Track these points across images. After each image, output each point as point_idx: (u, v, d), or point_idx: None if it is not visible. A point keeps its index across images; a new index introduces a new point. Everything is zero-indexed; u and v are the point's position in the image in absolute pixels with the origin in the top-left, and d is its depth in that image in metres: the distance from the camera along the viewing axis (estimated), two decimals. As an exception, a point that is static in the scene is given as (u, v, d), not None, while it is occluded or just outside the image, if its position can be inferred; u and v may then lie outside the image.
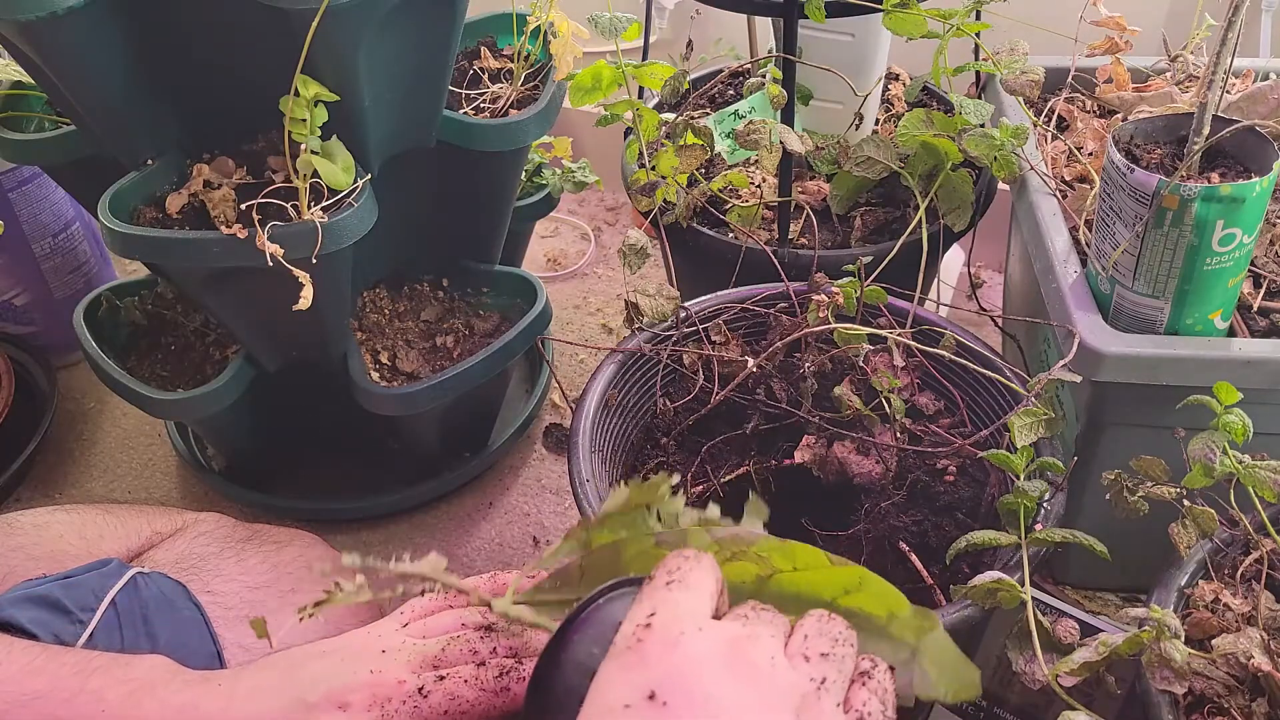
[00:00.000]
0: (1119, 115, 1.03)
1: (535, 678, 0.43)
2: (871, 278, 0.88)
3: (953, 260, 1.32)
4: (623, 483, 0.48)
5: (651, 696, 0.37)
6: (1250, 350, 0.77)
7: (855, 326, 0.83)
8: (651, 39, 1.16)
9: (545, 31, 1.02)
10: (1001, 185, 1.02)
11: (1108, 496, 0.72)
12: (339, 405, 1.02)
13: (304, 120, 0.79)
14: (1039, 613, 0.68)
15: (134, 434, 1.24)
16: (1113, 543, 0.70)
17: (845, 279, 0.87)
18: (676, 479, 0.47)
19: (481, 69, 1.08)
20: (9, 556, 0.79)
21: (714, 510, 0.47)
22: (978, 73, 1.05)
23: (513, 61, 1.06)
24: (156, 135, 0.90)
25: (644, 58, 1.14)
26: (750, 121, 0.94)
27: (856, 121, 1.10)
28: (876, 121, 1.16)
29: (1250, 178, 0.73)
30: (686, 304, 0.92)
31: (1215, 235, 0.73)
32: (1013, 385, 0.80)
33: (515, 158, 1.04)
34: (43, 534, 0.82)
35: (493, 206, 1.08)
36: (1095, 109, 1.06)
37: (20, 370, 1.25)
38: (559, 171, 1.23)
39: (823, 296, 0.86)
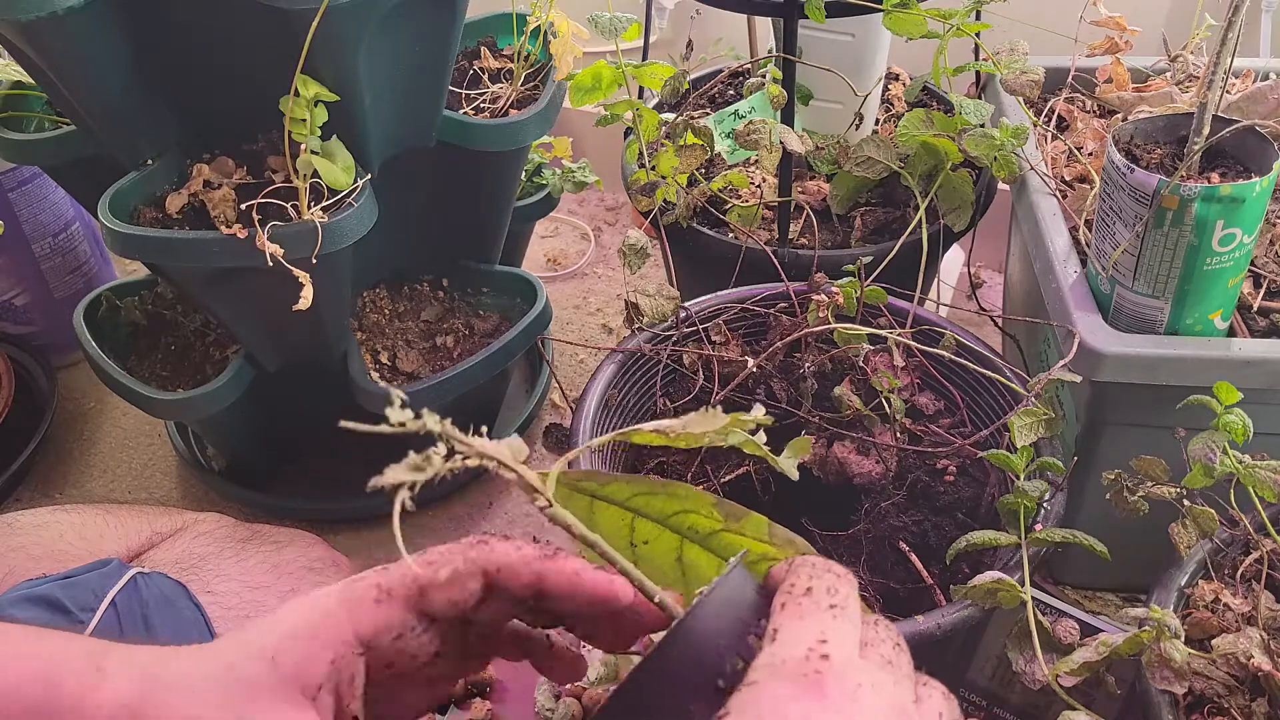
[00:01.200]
0: (1119, 115, 1.03)
1: (660, 647, 0.40)
2: (871, 278, 0.88)
3: (953, 260, 1.32)
4: (719, 407, 0.47)
5: None
6: (1250, 350, 0.77)
7: (855, 326, 0.83)
8: (651, 39, 1.16)
9: (545, 31, 1.02)
10: (1001, 185, 1.02)
11: (1108, 496, 0.72)
12: (339, 405, 1.01)
13: (304, 120, 0.79)
14: (1039, 613, 0.68)
15: (134, 434, 1.24)
16: (1113, 543, 0.70)
17: (845, 279, 0.87)
18: (762, 412, 0.46)
19: (481, 69, 1.08)
20: (9, 556, 0.79)
21: (758, 410, 0.46)
22: (978, 73, 1.05)
23: (513, 61, 1.06)
24: (156, 135, 0.90)
25: (644, 58, 1.14)
26: (750, 121, 0.94)
27: (856, 121, 1.10)
28: (876, 121, 1.16)
29: (1250, 178, 0.73)
30: (686, 304, 0.92)
31: (1215, 235, 0.73)
32: (1013, 385, 0.80)
33: (515, 158, 1.04)
34: (43, 534, 0.82)
35: (492, 206, 1.08)
36: (1095, 109, 1.06)
37: (20, 370, 1.24)
38: (559, 171, 1.22)
39: (823, 296, 0.86)
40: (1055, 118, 1.04)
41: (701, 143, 0.98)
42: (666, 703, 0.39)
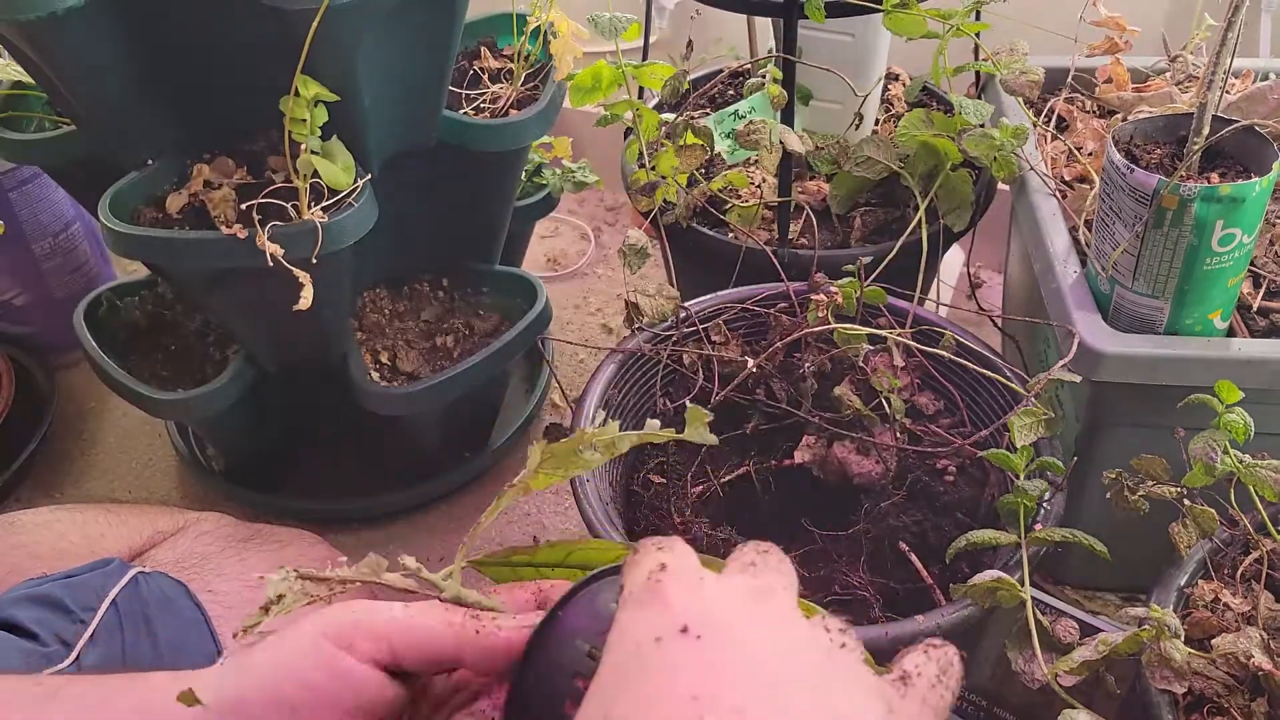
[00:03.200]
0: (1119, 115, 1.03)
1: (525, 655, 0.43)
2: (871, 278, 0.88)
3: (953, 260, 1.32)
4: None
5: (684, 630, 0.35)
6: (1250, 350, 0.77)
7: (855, 326, 0.83)
8: (651, 39, 1.16)
9: (545, 31, 1.02)
10: (1001, 185, 1.02)
11: (1108, 496, 0.72)
12: (339, 405, 1.02)
13: (304, 120, 0.79)
14: (1039, 612, 0.68)
15: (134, 434, 1.24)
16: (1113, 543, 0.70)
17: (845, 279, 0.87)
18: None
19: (481, 69, 1.08)
20: (11, 555, 0.79)
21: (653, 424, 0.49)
22: (978, 73, 1.05)
23: (513, 61, 1.06)
24: (156, 135, 0.90)
25: (644, 58, 1.14)
26: (750, 121, 0.94)
27: (856, 121, 1.10)
28: (876, 121, 1.16)
29: (1250, 178, 0.73)
30: (686, 304, 0.92)
31: (1215, 235, 0.73)
32: (1012, 385, 0.80)
33: (515, 158, 1.04)
34: (45, 533, 0.82)
35: (493, 206, 1.08)
36: (1095, 109, 1.06)
37: (20, 370, 1.24)
38: (559, 171, 1.23)
39: (822, 296, 0.86)
40: (1055, 118, 1.04)
41: (701, 143, 0.98)
42: (555, 677, 0.41)
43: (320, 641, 0.44)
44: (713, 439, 0.47)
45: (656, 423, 0.48)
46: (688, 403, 0.46)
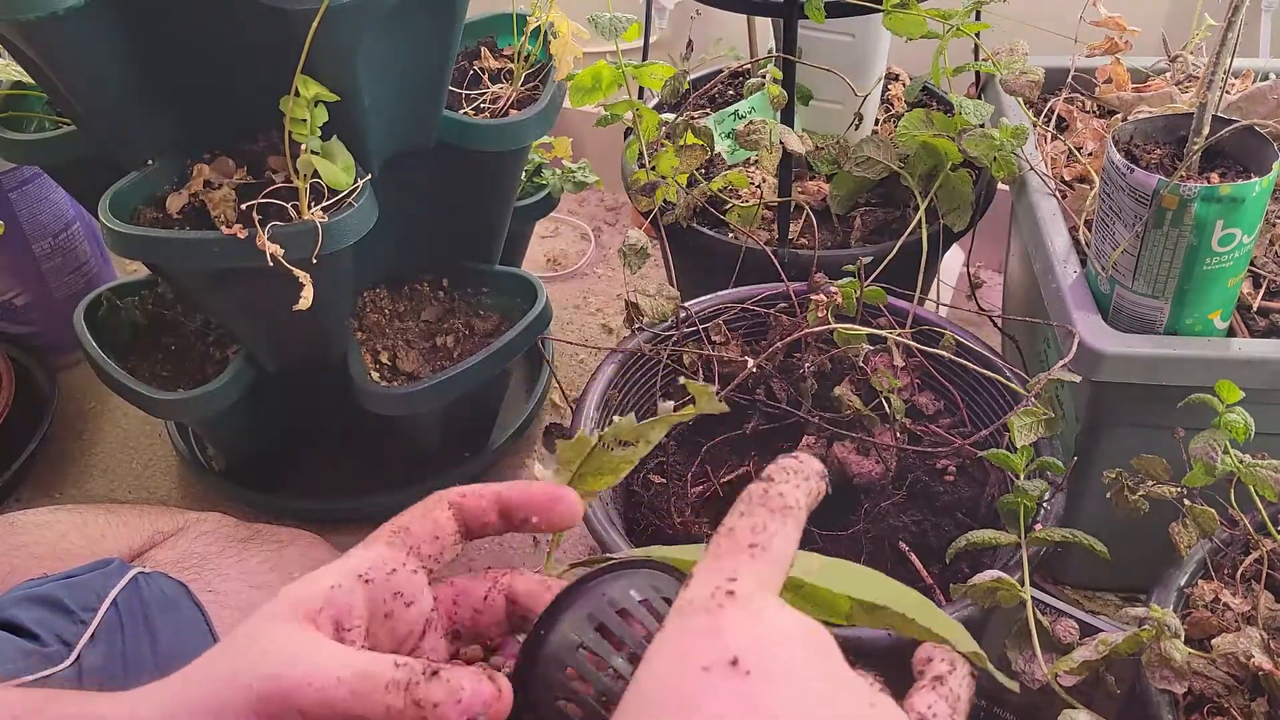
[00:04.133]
0: (1119, 115, 1.03)
1: (525, 648, 0.42)
2: (871, 278, 0.88)
3: (953, 260, 1.32)
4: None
5: (734, 662, 0.34)
6: (1250, 350, 0.77)
7: (855, 326, 0.83)
8: (651, 39, 1.16)
9: (545, 31, 1.02)
10: (1001, 185, 1.02)
11: (1108, 496, 0.72)
12: (339, 405, 1.02)
13: (304, 120, 0.79)
14: (1039, 612, 0.68)
15: (134, 434, 1.24)
16: (1113, 543, 0.70)
17: (845, 279, 0.87)
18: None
19: (481, 69, 1.08)
20: (12, 555, 0.79)
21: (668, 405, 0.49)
22: (977, 73, 1.05)
23: (513, 61, 1.06)
24: (156, 135, 0.90)
25: (644, 58, 1.14)
26: (750, 121, 0.94)
27: (856, 121, 1.10)
28: (876, 121, 1.16)
29: (1250, 178, 0.73)
30: (686, 304, 0.92)
31: (1215, 235, 0.73)
32: (1012, 385, 0.80)
33: (515, 158, 1.04)
34: (45, 533, 0.82)
35: (493, 206, 1.08)
36: (1095, 109, 1.06)
37: (20, 370, 1.24)
38: (559, 171, 1.23)
39: (822, 296, 0.86)
40: (1055, 118, 1.04)
41: (701, 143, 0.98)
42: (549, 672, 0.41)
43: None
44: (723, 407, 0.47)
45: (670, 404, 0.48)
46: (687, 383, 0.46)
